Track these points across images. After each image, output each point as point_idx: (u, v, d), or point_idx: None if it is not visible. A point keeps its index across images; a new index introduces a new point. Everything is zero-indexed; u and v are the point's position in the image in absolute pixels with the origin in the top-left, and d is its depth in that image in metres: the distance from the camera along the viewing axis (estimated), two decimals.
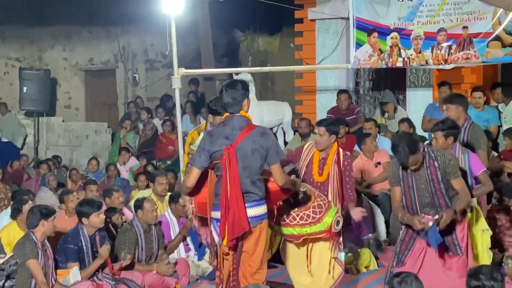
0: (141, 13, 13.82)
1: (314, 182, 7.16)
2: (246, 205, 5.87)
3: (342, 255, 7.10)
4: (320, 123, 7.34)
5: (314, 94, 13.09)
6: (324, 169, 7.17)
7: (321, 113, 12.50)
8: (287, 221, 6.80)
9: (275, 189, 6.11)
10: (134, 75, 17.60)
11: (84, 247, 7.43)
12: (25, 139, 16.55)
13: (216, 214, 5.98)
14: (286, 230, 6.85)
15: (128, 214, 8.96)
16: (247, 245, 5.99)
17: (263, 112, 11.94)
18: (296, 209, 6.76)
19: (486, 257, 7.17)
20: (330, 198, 7.04)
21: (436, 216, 6.26)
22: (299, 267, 7.10)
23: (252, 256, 6.01)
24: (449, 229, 6.32)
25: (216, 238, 6.03)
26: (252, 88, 11.68)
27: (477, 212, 7.20)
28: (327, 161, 7.19)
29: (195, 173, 6.02)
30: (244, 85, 6.09)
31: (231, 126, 5.96)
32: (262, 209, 5.99)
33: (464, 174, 6.85)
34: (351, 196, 7.22)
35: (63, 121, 16.97)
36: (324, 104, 12.65)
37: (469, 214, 6.97)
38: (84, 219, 7.49)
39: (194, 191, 6.13)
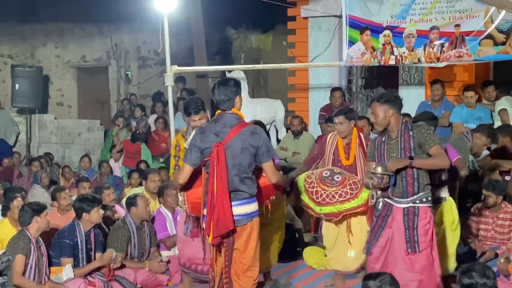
0: (133, 10, 13.81)
1: (343, 166, 7.71)
2: (236, 203, 5.90)
3: (352, 253, 7.57)
4: (338, 113, 7.91)
5: (306, 92, 13.10)
6: (350, 153, 7.77)
7: (314, 111, 12.50)
8: (327, 200, 7.31)
9: (266, 184, 6.14)
10: (127, 72, 17.57)
11: (79, 243, 7.43)
12: (17, 137, 16.53)
13: (206, 212, 6.00)
14: (327, 209, 7.34)
15: (121, 211, 8.95)
16: (239, 243, 6.00)
17: (255, 110, 11.95)
18: (334, 188, 7.31)
19: (451, 262, 7.25)
20: (359, 177, 7.55)
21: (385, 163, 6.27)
22: (341, 244, 7.56)
23: (243, 253, 6.02)
24: (412, 223, 6.26)
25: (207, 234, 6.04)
26: (244, 86, 11.69)
27: (451, 205, 7.32)
28: (351, 145, 7.77)
29: (187, 169, 6.04)
30: (236, 82, 6.13)
31: (222, 123, 5.97)
32: (252, 207, 6.00)
33: None
34: None
35: (55, 118, 16.93)
36: (316, 102, 12.65)
37: (441, 205, 7.15)
38: (85, 214, 7.49)
39: (186, 187, 6.15)
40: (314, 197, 7.42)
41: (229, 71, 11.88)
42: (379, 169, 6.21)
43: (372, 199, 7.09)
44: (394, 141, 6.32)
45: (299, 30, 13.17)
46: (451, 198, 7.31)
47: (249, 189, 5.96)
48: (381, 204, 6.47)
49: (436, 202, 7.00)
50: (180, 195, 6.28)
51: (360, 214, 7.44)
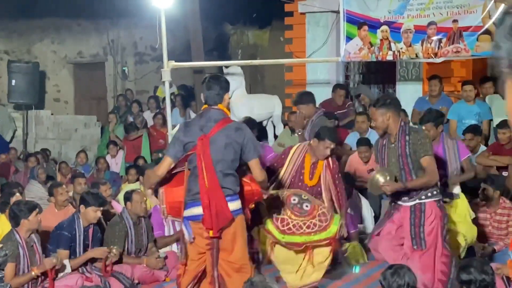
0: (130, 6, 13.77)
1: (303, 186, 7.29)
2: None
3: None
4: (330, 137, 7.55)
5: (304, 88, 13.02)
6: (315, 172, 7.30)
7: None
8: (294, 230, 6.90)
9: (248, 190, 6.07)
10: (123, 68, 17.55)
11: (77, 236, 7.41)
12: (14, 133, 16.49)
13: (189, 212, 5.88)
14: (290, 238, 6.92)
15: (117, 207, 8.94)
16: (224, 243, 5.90)
17: (253, 106, 11.92)
18: (303, 218, 6.91)
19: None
20: (324, 201, 7.21)
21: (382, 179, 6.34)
22: (294, 266, 7.17)
23: (231, 253, 5.91)
24: (419, 220, 6.33)
25: (187, 237, 5.95)
26: (242, 82, 11.67)
27: (462, 200, 7.39)
28: (317, 164, 7.30)
29: (167, 162, 5.92)
30: (227, 80, 6.17)
31: (206, 118, 5.94)
32: (235, 205, 5.89)
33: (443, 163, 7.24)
34: (341, 201, 7.35)
35: (52, 114, 16.91)
36: None
37: (451, 204, 7.28)
38: (82, 207, 7.48)
39: (163, 182, 6.00)
40: (279, 224, 6.93)
41: (226, 67, 11.86)
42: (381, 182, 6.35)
43: (341, 232, 7.03)
44: (393, 145, 6.39)
45: (296, 26, 13.15)
46: (463, 195, 7.42)
47: (233, 185, 5.87)
48: (388, 204, 6.64)
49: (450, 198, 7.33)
50: (159, 194, 6.02)
51: (324, 246, 7.04)
